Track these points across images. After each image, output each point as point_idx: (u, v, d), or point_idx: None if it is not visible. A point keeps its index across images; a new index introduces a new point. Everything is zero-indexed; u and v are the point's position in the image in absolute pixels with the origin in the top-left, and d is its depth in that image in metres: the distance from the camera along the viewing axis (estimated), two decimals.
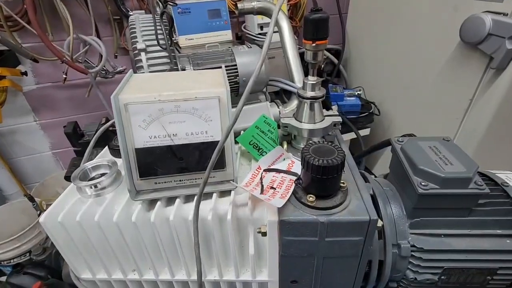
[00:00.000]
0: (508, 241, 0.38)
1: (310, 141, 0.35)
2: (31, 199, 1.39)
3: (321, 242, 0.34)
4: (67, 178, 1.41)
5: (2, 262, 1.36)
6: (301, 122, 0.42)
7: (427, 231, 0.39)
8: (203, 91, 0.33)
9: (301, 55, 1.31)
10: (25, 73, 1.34)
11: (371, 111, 1.22)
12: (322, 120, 0.42)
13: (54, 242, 0.37)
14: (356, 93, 1.24)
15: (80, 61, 1.33)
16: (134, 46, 0.76)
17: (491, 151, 0.93)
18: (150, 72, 0.75)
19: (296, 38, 1.03)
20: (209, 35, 1.39)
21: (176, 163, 0.34)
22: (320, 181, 0.32)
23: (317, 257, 0.35)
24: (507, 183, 0.42)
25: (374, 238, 0.39)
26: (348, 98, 1.23)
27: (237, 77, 0.97)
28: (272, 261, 0.37)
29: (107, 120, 1.49)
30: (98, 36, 1.34)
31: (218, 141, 0.34)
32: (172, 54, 0.77)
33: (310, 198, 0.33)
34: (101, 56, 1.32)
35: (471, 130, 0.92)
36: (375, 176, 0.50)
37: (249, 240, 0.37)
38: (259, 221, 0.36)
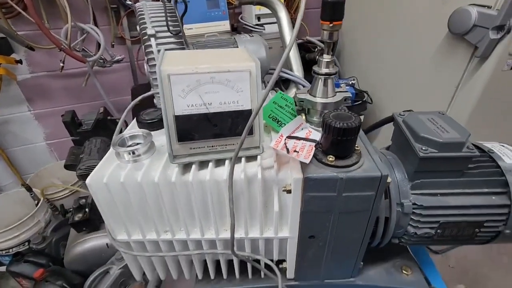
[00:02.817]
0: (493, 197, 0.45)
1: (327, 111, 0.40)
2: (29, 188, 1.39)
3: (338, 197, 0.39)
4: (67, 166, 1.41)
5: (1, 252, 1.35)
6: (315, 96, 0.47)
7: (426, 191, 0.45)
8: (235, 64, 0.37)
9: (299, 46, 1.35)
10: (20, 61, 1.32)
11: (364, 99, 1.28)
12: (334, 95, 0.47)
13: (97, 203, 0.40)
14: (350, 83, 1.30)
15: (78, 49, 1.32)
16: (143, 32, 0.78)
17: (473, 135, 1.02)
18: None
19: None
20: (208, 25, 1.41)
21: (211, 129, 0.38)
22: (339, 142, 0.37)
23: (334, 213, 0.41)
24: (492, 150, 0.48)
25: (382, 197, 0.44)
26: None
27: None
28: (293, 218, 0.42)
29: (105, 110, 1.50)
30: (96, 25, 1.34)
31: (248, 110, 0.39)
32: (183, 40, 0.80)
33: (330, 158, 0.38)
34: (99, 44, 1.32)
35: (456, 115, 0.99)
36: None
37: (273, 200, 0.41)
38: (283, 182, 0.40)
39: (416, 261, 0.57)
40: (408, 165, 0.46)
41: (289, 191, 0.39)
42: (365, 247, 0.47)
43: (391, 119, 0.52)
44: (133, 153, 0.41)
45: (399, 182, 0.46)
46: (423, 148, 0.42)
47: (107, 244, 1.24)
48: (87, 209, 1.20)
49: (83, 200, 1.24)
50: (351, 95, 0.47)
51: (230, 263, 0.53)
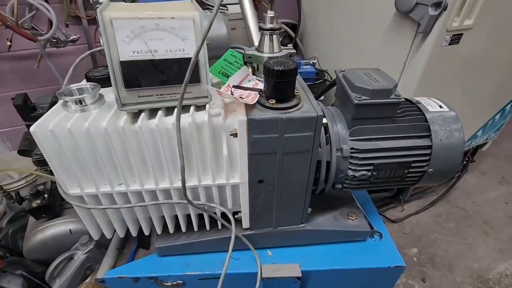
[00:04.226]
0: (418, 140, 0.51)
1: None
2: None
3: (280, 138, 0.42)
4: (21, 152, 1.34)
5: None
6: (262, 52, 0.50)
7: (361, 137, 0.50)
8: (179, 13, 0.39)
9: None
10: None
11: (324, 78, 1.35)
12: (280, 51, 0.50)
13: (44, 153, 0.40)
14: (311, 62, 1.36)
15: (27, 27, 1.24)
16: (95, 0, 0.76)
17: None
18: None
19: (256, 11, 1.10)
20: (169, 3, 1.38)
21: (158, 76, 0.40)
22: (279, 84, 0.40)
23: (279, 154, 0.44)
24: (420, 101, 0.54)
25: (322, 142, 0.49)
26: (304, 67, 1.35)
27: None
28: (242, 162, 0.45)
29: None
30: (47, 1, 1.26)
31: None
32: None
33: (271, 101, 0.41)
34: (51, 24, 1.25)
35: (405, 89, 1.08)
36: None
37: (223, 146, 0.44)
38: (231, 127, 0.43)
39: (361, 209, 0.63)
40: (347, 114, 0.51)
41: (235, 135, 0.42)
42: (310, 191, 0.51)
43: (335, 82, 0.57)
44: (80, 102, 0.41)
45: (339, 130, 0.51)
46: (357, 96, 0.47)
47: (70, 230, 1.20)
48: (46, 195, 1.15)
49: (41, 187, 1.19)
50: (295, 51, 0.51)
51: (188, 217, 0.55)
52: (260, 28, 0.49)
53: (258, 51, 0.50)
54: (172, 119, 0.42)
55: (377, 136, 0.50)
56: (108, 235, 0.53)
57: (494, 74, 1.28)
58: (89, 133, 0.39)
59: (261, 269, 0.54)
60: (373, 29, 1.16)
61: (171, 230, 0.54)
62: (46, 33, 1.25)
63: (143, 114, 0.41)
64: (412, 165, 0.51)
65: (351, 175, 0.51)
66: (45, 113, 1.36)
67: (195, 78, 0.41)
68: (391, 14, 1.08)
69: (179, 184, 0.46)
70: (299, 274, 0.54)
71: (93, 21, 1.43)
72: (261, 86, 0.47)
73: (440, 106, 0.53)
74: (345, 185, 0.54)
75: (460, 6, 0.94)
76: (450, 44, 1.04)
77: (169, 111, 0.43)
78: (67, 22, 1.38)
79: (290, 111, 0.41)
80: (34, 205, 1.16)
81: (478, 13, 0.99)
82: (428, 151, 0.50)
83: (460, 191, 1.77)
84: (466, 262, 1.40)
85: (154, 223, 0.53)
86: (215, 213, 0.51)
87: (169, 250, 0.55)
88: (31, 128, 0.38)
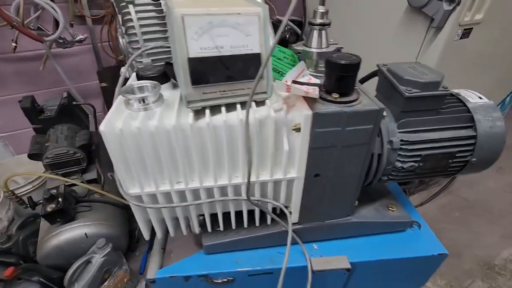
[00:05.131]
0: (462, 131, 0.52)
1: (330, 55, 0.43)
2: None
3: (342, 131, 0.43)
4: (31, 156, 1.30)
5: None
6: (310, 47, 0.50)
7: (409, 129, 0.51)
8: (245, 8, 0.39)
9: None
10: None
11: None
12: (327, 46, 0.51)
13: (111, 154, 0.39)
14: None
15: (32, 27, 1.21)
16: None
17: None
18: (140, 25, 0.75)
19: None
20: None
21: (224, 72, 0.40)
22: (343, 78, 0.41)
23: (338, 147, 0.45)
24: (459, 93, 0.56)
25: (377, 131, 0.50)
26: None
27: None
28: (302, 156, 0.45)
29: (69, 95, 1.40)
30: (53, 0, 1.23)
31: (257, 54, 0.41)
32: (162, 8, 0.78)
33: (335, 95, 0.42)
34: (57, 24, 1.21)
35: None
36: None
37: (283, 141, 0.44)
38: (292, 122, 0.43)
39: (398, 201, 0.64)
40: (394, 107, 0.52)
41: (298, 130, 0.42)
42: (361, 184, 0.52)
43: (375, 73, 0.58)
44: (143, 101, 0.40)
45: (387, 123, 0.52)
46: (408, 89, 0.48)
47: (85, 234, 1.18)
48: (60, 199, 1.13)
49: (54, 190, 1.16)
50: (343, 47, 0.51)
51: (236, 213, 0.55)
52: (310, 23, 0.49)
53: (306, 46, 0.51)
54: (234, 115, 0.42)
55: (424, 128, 0.52)
56: (159, 235, 0.52)
57: (498, 68, 1.32)
58: (157, 131, 0.39)
59: (311, 263, 0.54)
60: (383, 24, 1.18)
61: (221, 227, 0.54)
62: (52, 34, 1.22)
63: (207, 111, 0.41)
64: (457, 155, 0.53)
65: (400, 167, 0.52)
66: (53, 115, 1.32)
67: (257, 74, 0.41)
68: (402, 10, 1.10)
69: (237, 180, 0.46)
70: (349, 266, 0.55)
71: (98, 20, 1.40)
72: (315, 80, 0.47)
73: (480, 97, 0.55)
74: (390, 177, 0.55)
75: (472, 1, 0.97)
76: (461, 38, 1.07)
77: (229, 107, 0.43)
78: (72, 22, 1.35)
79: (353, 104, 0.42)
80: (49, 209, 1.13)
81: (488, 8, 1.02)
82: (472, 141, 0.52)
83: (461, 181, 1.82)
84: (473, 250, 1.45)
85: (206, 220, 0.52)
86: (267, 209, 0.51)
87: (217, 247, 0.55)
88: (101, 128, 0.37)
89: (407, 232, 0.62)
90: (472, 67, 1.23)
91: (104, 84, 1.18)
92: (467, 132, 0.52)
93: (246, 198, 0.45)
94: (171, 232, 0.52)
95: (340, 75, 0.40)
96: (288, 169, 0.47)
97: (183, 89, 0.39)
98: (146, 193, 0.44)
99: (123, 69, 0.50)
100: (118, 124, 0.38)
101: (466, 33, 1.07)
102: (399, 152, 0.52)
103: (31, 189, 1.35)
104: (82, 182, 1.30)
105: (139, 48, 0.77)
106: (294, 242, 0.57)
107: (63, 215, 1.15)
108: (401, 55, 1.15)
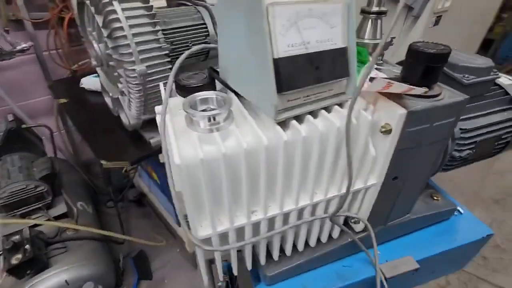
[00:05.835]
0: (505, 113, 0.53)
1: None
2: None
3: (430, 127, 0.39)
4: None
5: None
6: (363, 39, 0.45)
7: (465, 117, 0.50)
8: None
9: None
10: None
11: None
12: (381, 37, 0.46)
13: (185, 192, 0.29)
14: None
15: None
16: None
17: None
18: (129, 25, 0.63)
19: None
20: None
21: (312, 73, 0.32)
22: (432, 70, 0.37)
23: (423, 145, 0.41)
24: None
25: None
26: None
27: (208, 37, 0.92)
28: (385, 161, 0.40)
29: (16, 117, 1.15)
30: None
31: (342, 48, 0.35)
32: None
33: (424, 89, 0.38)
34: None
35: None
36: None
37: (368, 144, 0.39)
38: (378, 124, 0.38)
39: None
40: None
41: (389, 131, 0.37)
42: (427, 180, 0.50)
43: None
44: (214, 118, 0.31)
45: None
46: (466, 76, 0.47)
47: (66, 281, 0.98)
48: (27, 246, 0.91)
49: (17, 236, 0.94)
50: (394, 36, 0.48)
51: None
52: (363, 11, 0.44)
53: (358, 37, 0.46)
54: (323, 122, 0.35)
55: (475, 114, 0.51)
56: (236, 271, 0.43)
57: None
58: (246, 154, 0.30)
59: (381, 271, 0.51)
60: None
61: (288, 253, 0.47)
62: None
63: (293, 122, 0.34)
64: (502, 137, 0.54)
65: (457, 156, 0.51)
66: None
67: (345, 72, 0.35)
68: None
69: (319, 198, 0.39)
70: (417, 265, 0.52)
71: (42, 24, 1.17)
72: (381, 75, 0.43)
73: (509, 79, 0.56)
74: (444, 167, 0.54)
75: None
76: (434, 25, 1.14)
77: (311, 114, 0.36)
78: (7, 28, 1.10)
79: (439, 98, 0.38)
80: (14, 261, 0.92)
81: None
82: None
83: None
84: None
85: (274, 248, 0.45)
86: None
87: (283, 275, 0.48)
88: (177, 163, 0.27)
89: (450, 220, 0.62)
90: None
91: (63, 100, 0.98)
92: (509, 114, 0.53)
93: (328, 215, 0.39)
94: (248, 266, 0.44)
95: (430, 66, 0.36)
96: (369, 176, 0.42)
97: (272, 98, 0.30)
98: (219, 232, 0.35)
99: (161, 87, 0.39)
100: (197, 153, 0.28)
101: (437, 20, 1.15)
102: (458, 142, 0.50)
103: None
104: (49, 219, 1.09)
105: (130, 54, 0.64)
106: (354, 252, 0.53)
107: (33, 264, 0.93)
108: None
